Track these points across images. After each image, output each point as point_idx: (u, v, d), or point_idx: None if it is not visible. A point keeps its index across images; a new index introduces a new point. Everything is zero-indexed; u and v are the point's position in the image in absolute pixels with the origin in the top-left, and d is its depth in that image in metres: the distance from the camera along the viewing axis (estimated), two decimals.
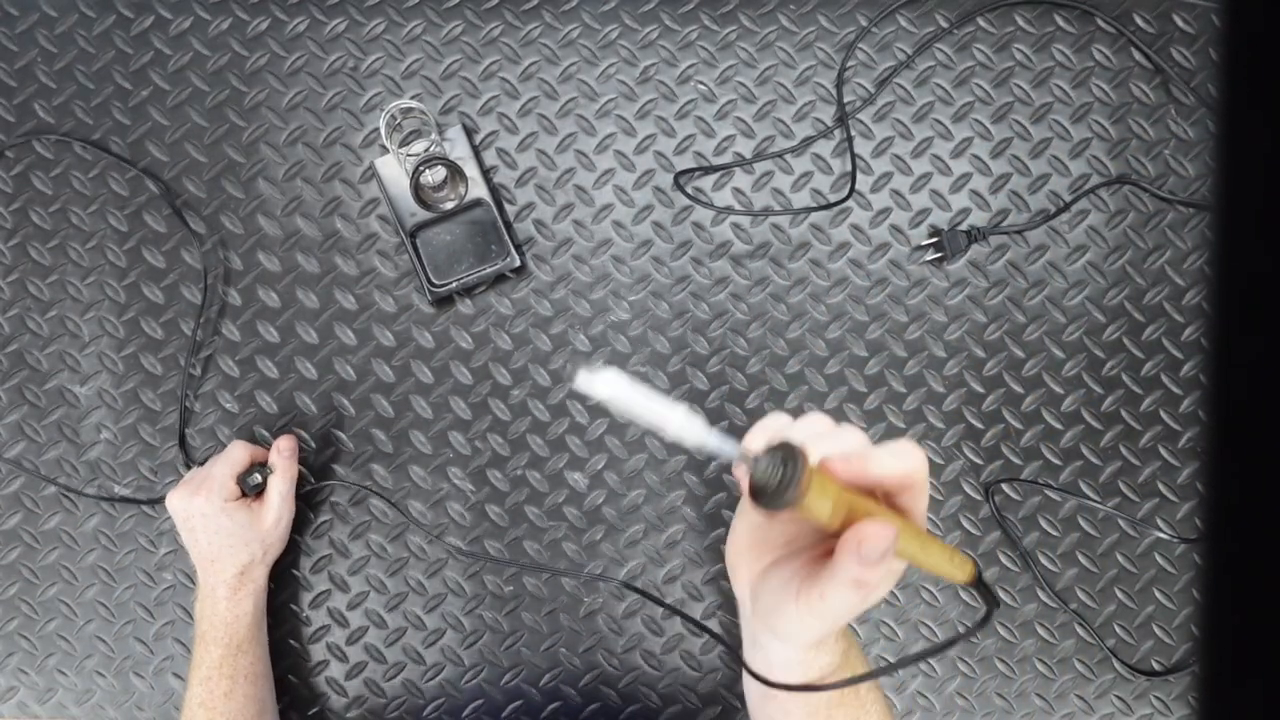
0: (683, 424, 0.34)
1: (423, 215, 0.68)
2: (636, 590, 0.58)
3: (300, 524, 0.70)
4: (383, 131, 0.64)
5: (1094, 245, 0.71)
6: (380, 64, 0.72)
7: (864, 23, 0.72)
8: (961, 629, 0.70)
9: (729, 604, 0.70)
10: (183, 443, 0.70)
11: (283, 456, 0.67)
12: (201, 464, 0.68)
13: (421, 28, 0.72)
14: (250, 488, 0.65)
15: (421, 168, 0.65)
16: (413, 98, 0.72)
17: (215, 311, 0.72)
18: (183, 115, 0.72)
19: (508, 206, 0.72)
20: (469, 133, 0.70)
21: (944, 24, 0.72)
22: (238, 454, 0.66)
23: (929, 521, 0.70)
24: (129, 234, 0.72)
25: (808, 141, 0.72)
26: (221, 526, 0.63)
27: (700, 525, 0.70)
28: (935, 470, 0.70)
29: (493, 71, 0.72)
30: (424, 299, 0.71)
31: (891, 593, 0.70)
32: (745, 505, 0.43)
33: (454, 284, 0.69)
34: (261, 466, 0.66)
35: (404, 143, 0.68)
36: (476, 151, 0.70)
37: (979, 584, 0.41)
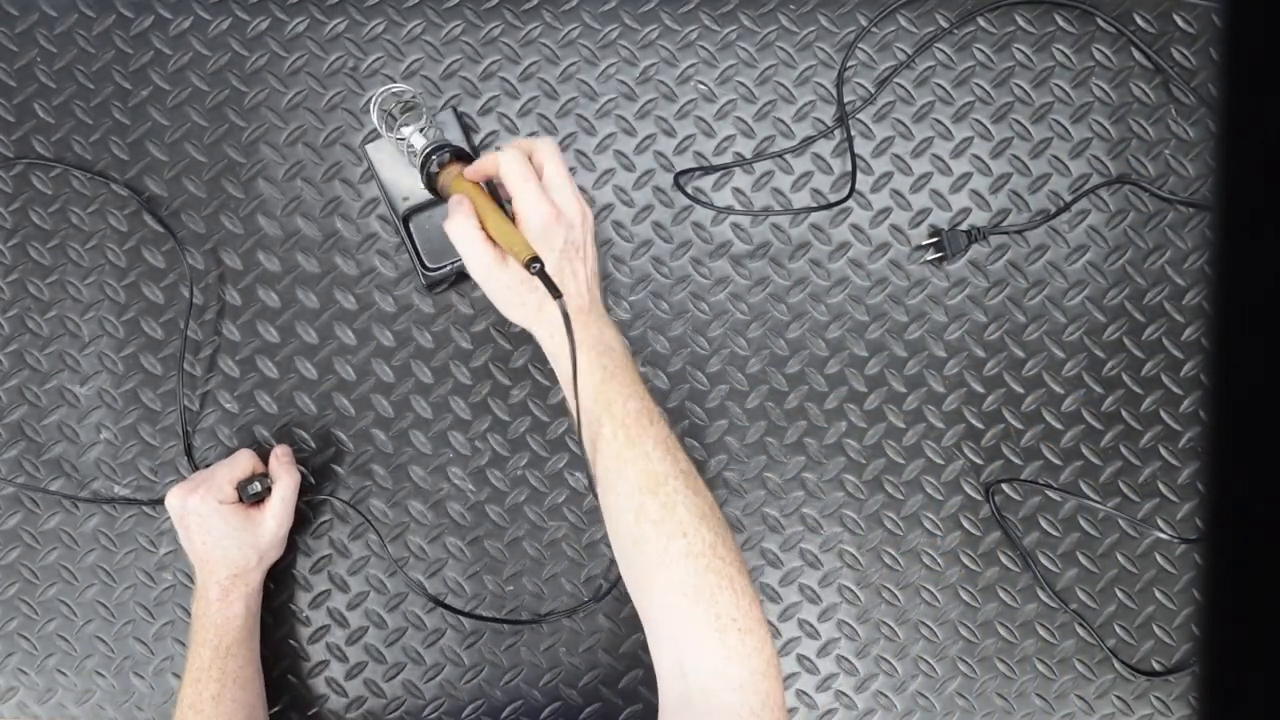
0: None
1: (416, 200, 0.68)
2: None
3: (300, 524, 0.70)
4: (374, 116, 0.63)
5: (1094, 245, 0.71)
6: (380, 64, 0.72)
7: (864, 23, 0.72)
8: (961, 629, 0.70)
9: None
10: (189, 453, 0.70)
11: (283, 463, 0.67)
12: (207, 466, 0.68)
13: (421, 28, 0.72)
14: (249, 495, 0.65)
15: (432, 156, 0.62)
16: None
17: (215, 311, 0.72)
18: (183, 115, 0.72)
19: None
20: (458, 115, 0.70)
21: (944, 24, 0.72)
22: (242, 461, 0.66)
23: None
24: (129, 234, 0.72)
25: (808, 141, 0.72)
26: (215, 527, 0.63)
27: None
28: (935, 470, 0.70)
29: (493, 71, 0.72)
30: (421, 291, 0.71)
31: (891, 592, 0.70)
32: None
33: (448, 267, 0.68)
34: (263, 477, 0.66)
35: (396, 127, 0.67)
36: (468, 134, 0.70)
37: (539, 273, 0.52)
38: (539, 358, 0.71)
